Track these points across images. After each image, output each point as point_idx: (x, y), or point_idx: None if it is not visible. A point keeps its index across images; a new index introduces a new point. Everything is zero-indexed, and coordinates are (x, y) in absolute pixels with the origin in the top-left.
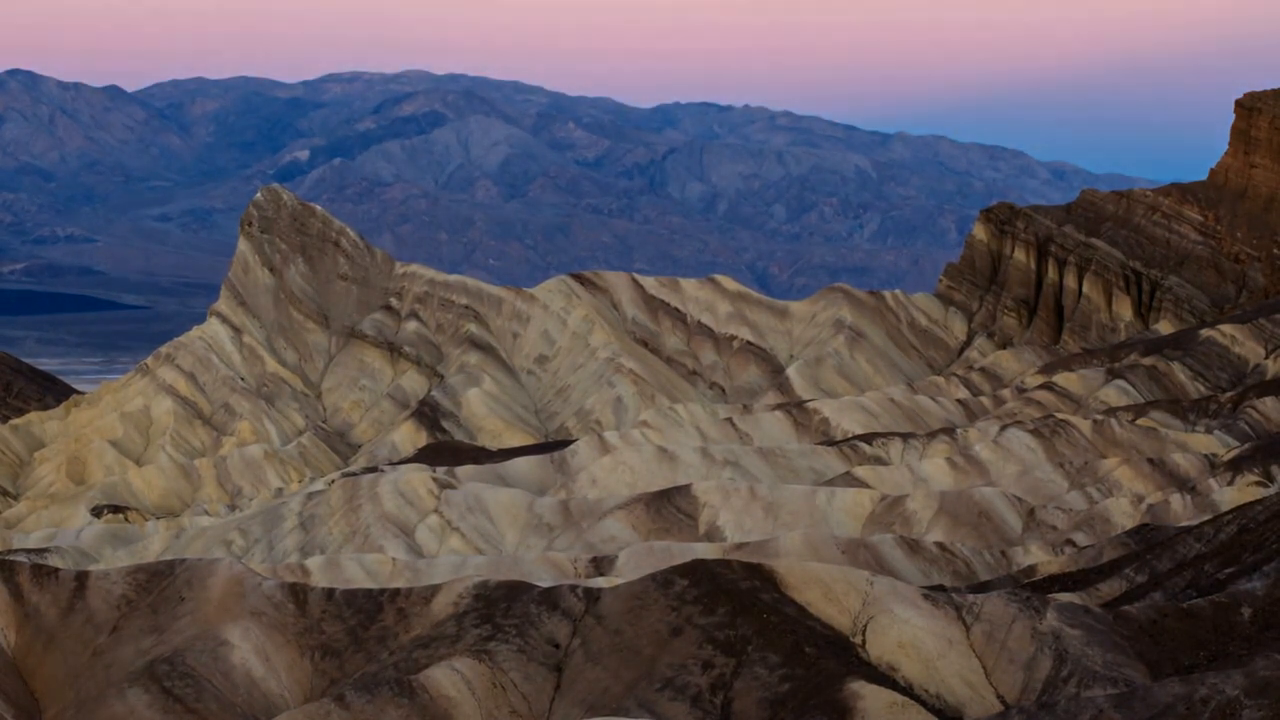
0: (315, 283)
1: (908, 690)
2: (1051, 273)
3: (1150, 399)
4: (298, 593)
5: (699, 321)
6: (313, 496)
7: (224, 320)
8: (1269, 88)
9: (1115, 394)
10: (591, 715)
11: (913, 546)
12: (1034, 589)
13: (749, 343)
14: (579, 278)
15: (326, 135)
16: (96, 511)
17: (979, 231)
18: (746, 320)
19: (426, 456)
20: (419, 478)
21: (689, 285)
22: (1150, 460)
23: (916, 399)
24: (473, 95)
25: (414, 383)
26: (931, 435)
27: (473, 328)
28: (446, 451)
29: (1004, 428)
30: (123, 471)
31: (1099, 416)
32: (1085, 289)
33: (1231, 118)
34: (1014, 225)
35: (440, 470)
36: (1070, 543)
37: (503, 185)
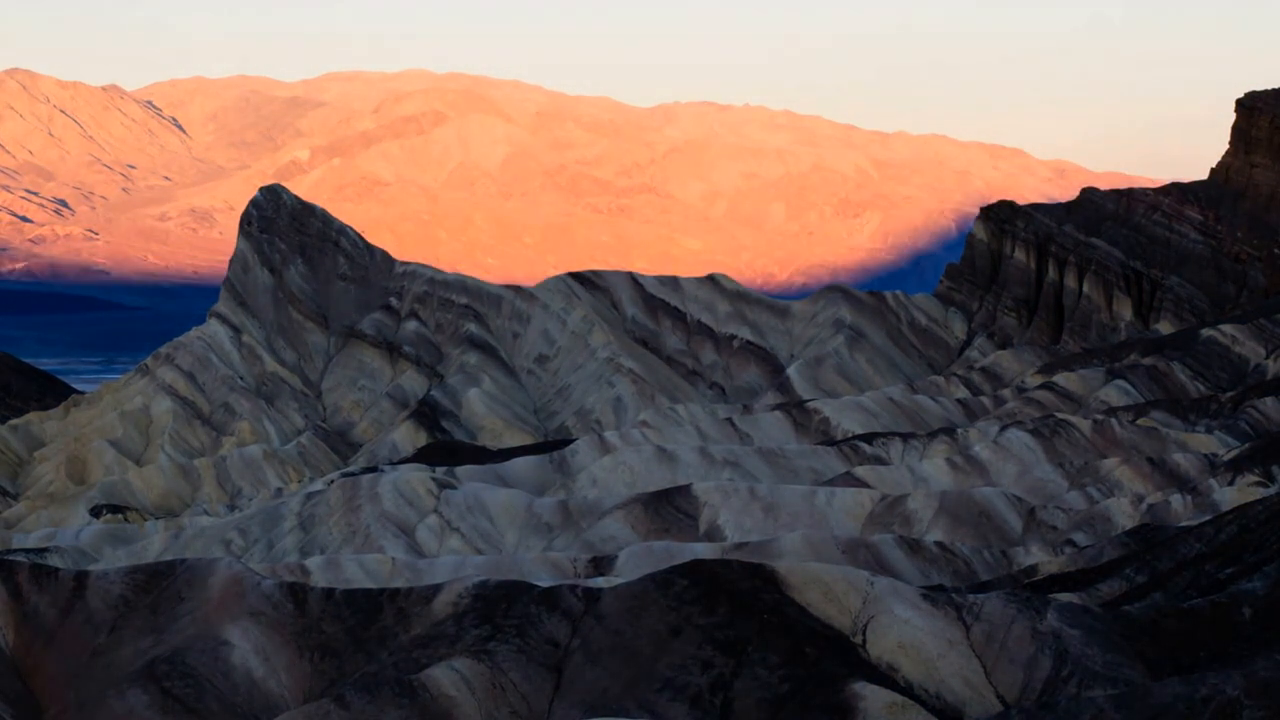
0: (315, 282)
1: (908, 690)
2: (1051, 272)
3: (1150, 399)
4: (297, 592)
5: (699, 321)
6: (312, 496)
7: (223, 320)
8: (1269, 88)
9: (1115, 394)
10: (591, 715)
11: (913, 546)
12: (1034, 589)
13: (749, 342)
14: (579, 277)
15: (326, 135)
16: (96, 511)
17: (979, 231)
18: (746, 320)
19: (426, 456)
20: (419, 478)
21: (689, 285)
22: (1150, 460)
23: (916, 399)
24: (473, 95)
25: (414, 382)
26: (931, 435)
27: (472, 327)
28: (446, 451)
29: (1004, 428)
30: (122, 471)
31: (1099, 416)
32: (1085, 289)
33: (1232, 118)
34: (1014, 225)
35: (440, 470)
36: (1070, 543)
37: (503, 185)
